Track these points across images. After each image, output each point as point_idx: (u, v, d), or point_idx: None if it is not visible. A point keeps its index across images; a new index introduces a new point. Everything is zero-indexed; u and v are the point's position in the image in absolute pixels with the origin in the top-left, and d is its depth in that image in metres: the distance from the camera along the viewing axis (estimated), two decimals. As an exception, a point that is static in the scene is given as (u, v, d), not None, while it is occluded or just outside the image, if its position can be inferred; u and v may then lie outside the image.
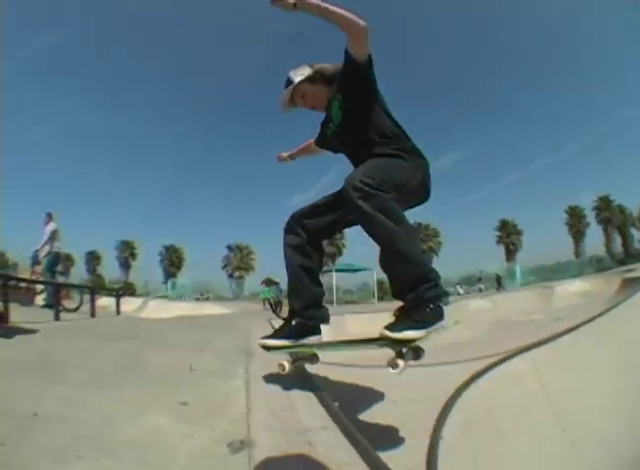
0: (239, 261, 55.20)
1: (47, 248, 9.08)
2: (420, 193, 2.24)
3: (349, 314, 9.42)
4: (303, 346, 2.23)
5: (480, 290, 31.74)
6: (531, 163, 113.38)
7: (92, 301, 8.37)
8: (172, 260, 57.48)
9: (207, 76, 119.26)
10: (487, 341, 4.81)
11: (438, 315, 1.82)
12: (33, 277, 9.30)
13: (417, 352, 1.87)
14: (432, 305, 1.81)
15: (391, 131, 2.15)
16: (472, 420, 2.26)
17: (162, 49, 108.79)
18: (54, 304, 6.91)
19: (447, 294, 2.12)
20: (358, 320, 8.61)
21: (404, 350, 1.80)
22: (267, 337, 2.34)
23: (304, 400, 2.17)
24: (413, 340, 1.75)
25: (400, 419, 2.14)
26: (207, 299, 33.53)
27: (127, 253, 57.67)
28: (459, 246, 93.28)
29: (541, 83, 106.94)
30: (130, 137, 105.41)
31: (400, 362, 1.75)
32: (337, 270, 29.53)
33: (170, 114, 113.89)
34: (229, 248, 56.73)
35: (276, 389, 2.36)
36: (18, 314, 5.67)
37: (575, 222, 55.55)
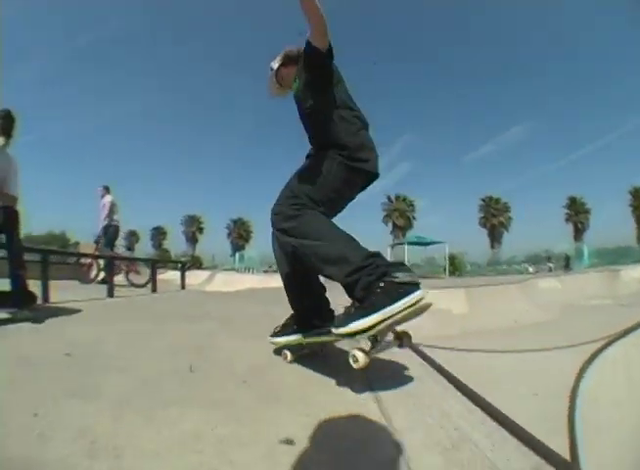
0: None
1: (106, 221, 8.60)
2: (356, 183, 2.19)
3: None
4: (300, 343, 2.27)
5: (550, 269, 30.27)
6: (600, 138, 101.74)
7: (153, 274, 7.74)
8: (240, 233, 58.25)
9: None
10: (564, 324, 4.53)
11: (398, 293, 1.67)
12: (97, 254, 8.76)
13: (376, 342, 1.79)
14: (381, 286, 1.70)
15: (336, 133, 2.08)
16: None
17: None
18: (108, 279, 6.32)
19: (403, 268, 1.82)
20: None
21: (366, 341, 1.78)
22: (274, 335, 2.41)
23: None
24: (361, 330, 1.65)
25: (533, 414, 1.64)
26: (276, 271, 32.78)
27: (194, 227, 59.30)
28: (525, 224, 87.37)
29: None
30: (196, 115, 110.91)
31: (359, 355, 1.68)
32: (409, 243, 27.67)
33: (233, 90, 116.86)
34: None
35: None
36: (70, 293, 5.19)
37: (639, 205, 49.82)
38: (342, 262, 1.78)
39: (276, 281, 14.35)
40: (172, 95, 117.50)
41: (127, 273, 8.60)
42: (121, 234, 9.46)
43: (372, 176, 2.15)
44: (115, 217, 8.76)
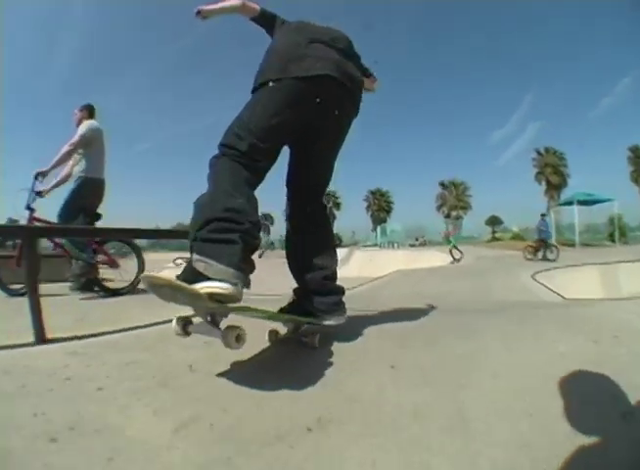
0: (455, 199, 52.64)
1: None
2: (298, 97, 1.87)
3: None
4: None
5: None
6: None
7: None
8: (380, 205, 57.82)
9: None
10: None
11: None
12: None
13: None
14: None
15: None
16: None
17: None
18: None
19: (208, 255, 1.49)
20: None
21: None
22: None
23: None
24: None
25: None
26: (424, 244, 31.16)
27: (330, 203, 59.38)
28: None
29: None
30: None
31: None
32: (578, 202, 23.07)
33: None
34: (443, 185, 54.45)
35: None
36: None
37: None
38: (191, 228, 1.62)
39: (429, 257, 15.51)
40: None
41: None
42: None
43: (320, 82, 1.86)
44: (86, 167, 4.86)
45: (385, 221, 49.65)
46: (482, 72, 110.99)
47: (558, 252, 13.42)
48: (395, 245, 29.38)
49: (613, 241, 24.74)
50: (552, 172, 45.71)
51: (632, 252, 13.88)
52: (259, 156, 1.78)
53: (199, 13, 2.23)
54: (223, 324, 1.55)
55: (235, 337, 1.45)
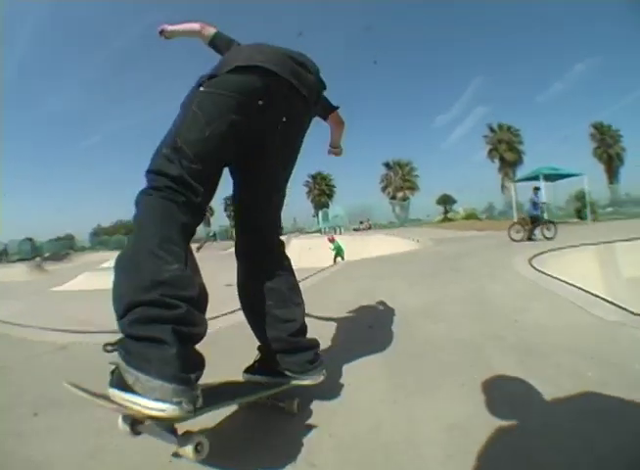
0: (401, 180, 50.52)
1: None
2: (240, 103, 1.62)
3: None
4: None
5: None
6: None
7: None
8: (321, 189, 55.57)
9: None
10: None
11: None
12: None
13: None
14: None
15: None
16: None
17: None
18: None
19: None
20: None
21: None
22: None
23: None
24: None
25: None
26: (369, 228, 29.96)
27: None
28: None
29: None
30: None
31: None
32: (544, 177, 21.22)
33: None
34: (387, 166, 52.12)
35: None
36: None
37: None
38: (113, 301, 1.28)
39: (377, 242, 14.46)
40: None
41: None
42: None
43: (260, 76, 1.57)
44: None
45: (327, 206, 46.25)
46: (429, 55, 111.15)
47: (556, 229, 11.68)
48: (338, 230, 27.59)
49: (580, 218, 23.39)
50: (506, 149, 44.21)
51: (614, 229, 12.34)
52: (196, 182, 1.44)
53: (162, 32, 2.24)
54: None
55: (194, 447, 1.19)
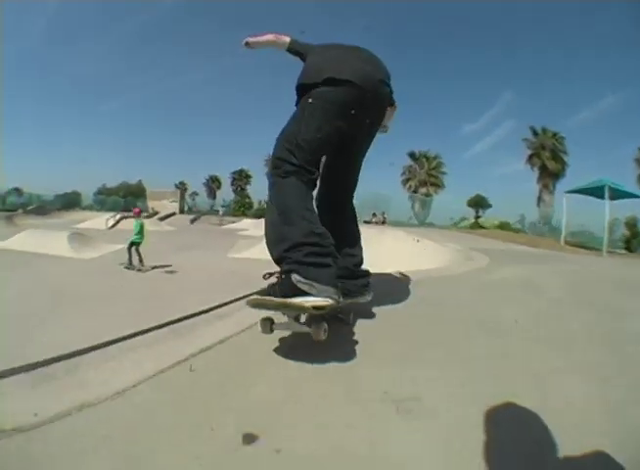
0: (426, 174, 45.91)
1: None
2: (339, 108, 2.38)
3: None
4: None
5: None
6: None
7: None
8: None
9: None
10: None
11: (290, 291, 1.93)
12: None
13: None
14: (283, 278, 2.05)
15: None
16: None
17: None
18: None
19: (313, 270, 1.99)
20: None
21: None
22: None
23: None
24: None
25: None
26: (383, 222, 26.05)
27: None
28: None
29: None
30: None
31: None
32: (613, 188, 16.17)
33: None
34: (413, 156, 47.48)
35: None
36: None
37: None
38: (276, 244, 2.14)
39: (392, 243, 9.31)
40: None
41: None
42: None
43: (354, 90, 2.24)
44: None
45: None
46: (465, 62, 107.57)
47: None
48: None
49: (629, 249, 19.85)
50: (550, 157, 39.09)
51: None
52: (312, 167, 2.24)
53: (247, 44, 2.86)
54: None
55: (323, 330, 1.99)
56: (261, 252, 12.27)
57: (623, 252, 18.97)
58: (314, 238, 1.97)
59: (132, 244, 9.59)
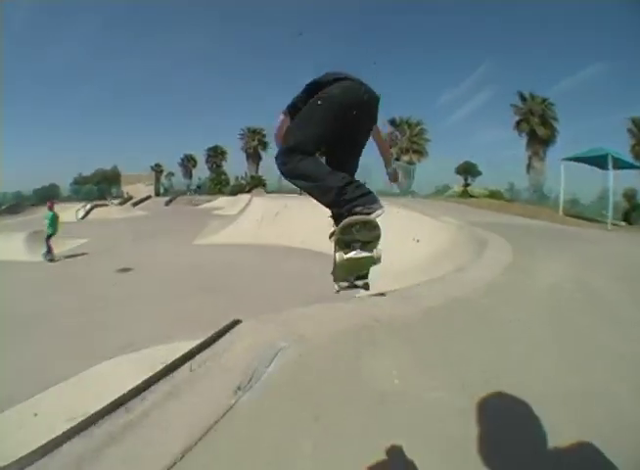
0: (408, 141, 43.79)
1: None
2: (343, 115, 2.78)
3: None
4: None
5: None
6: None
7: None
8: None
9: None
10: None
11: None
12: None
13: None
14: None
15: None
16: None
17: None
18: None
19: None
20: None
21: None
22: None
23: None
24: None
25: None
26: None
27: (255, 141, 50.70)
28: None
29: None
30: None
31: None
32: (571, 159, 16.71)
33: None
34: (393, 123, 45.00)
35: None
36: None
37: None
38: (326, 194, 2.48)
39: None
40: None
41: None
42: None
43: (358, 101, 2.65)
44: None
45: None
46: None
47: None
48: None
49: (628, 222, 18.21)
50: (539, 123, 37.38)
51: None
52: (317, 148, 2.63)
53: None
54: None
55: (380, 255, 2.43)
56: (228, 236, 11.38)
57: (623, 224, 17.64)
58: (347, 178, 2.45)
59: (48, 236, 11.63)
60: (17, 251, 10.08)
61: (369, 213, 2.35)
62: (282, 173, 2.56)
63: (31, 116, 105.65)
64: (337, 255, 2.40)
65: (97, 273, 7.19)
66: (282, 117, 2.84)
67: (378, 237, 2.42)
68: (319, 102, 2.54)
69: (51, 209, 12.66)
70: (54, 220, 12.09)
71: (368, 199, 2.42)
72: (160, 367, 2.51)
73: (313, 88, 2.67)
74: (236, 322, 3.13)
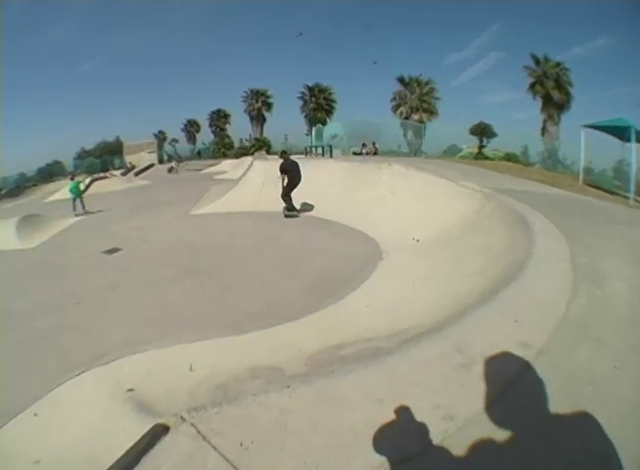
0: (417, 100, 41.56)
1: None
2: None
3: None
4: None
5: None
6: None
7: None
8: (318, 103, 47.52)
9: None
10: None
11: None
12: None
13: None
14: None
15: None
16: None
17: None
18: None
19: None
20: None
21: None
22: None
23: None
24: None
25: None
26: (374, 153, 23.14)
27: (259, 102, 49.29)
28: None
29: None
30: None
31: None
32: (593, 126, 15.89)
33: None
34: (402, 81, 42.79)
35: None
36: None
37: None
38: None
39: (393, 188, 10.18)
40: None
41: None
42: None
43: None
44: None
45: (324, 123, 38.97)
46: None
47: None
48: (328, 153, 20.26)
49: None
50: (554, 86, 35.61)
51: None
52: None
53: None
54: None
55: (294, 214, 10.91)
56: (227, 204, 10.98)
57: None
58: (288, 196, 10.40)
59: (73, 200, 15.12)
60: (7, 239, 9.46)
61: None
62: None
63: (35, 97, 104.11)
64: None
65: (82, 258, 6.58)
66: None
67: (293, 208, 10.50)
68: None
69: (72, 179, 16.11)
70: (76, 187, 15.41)
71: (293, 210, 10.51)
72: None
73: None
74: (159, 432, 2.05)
